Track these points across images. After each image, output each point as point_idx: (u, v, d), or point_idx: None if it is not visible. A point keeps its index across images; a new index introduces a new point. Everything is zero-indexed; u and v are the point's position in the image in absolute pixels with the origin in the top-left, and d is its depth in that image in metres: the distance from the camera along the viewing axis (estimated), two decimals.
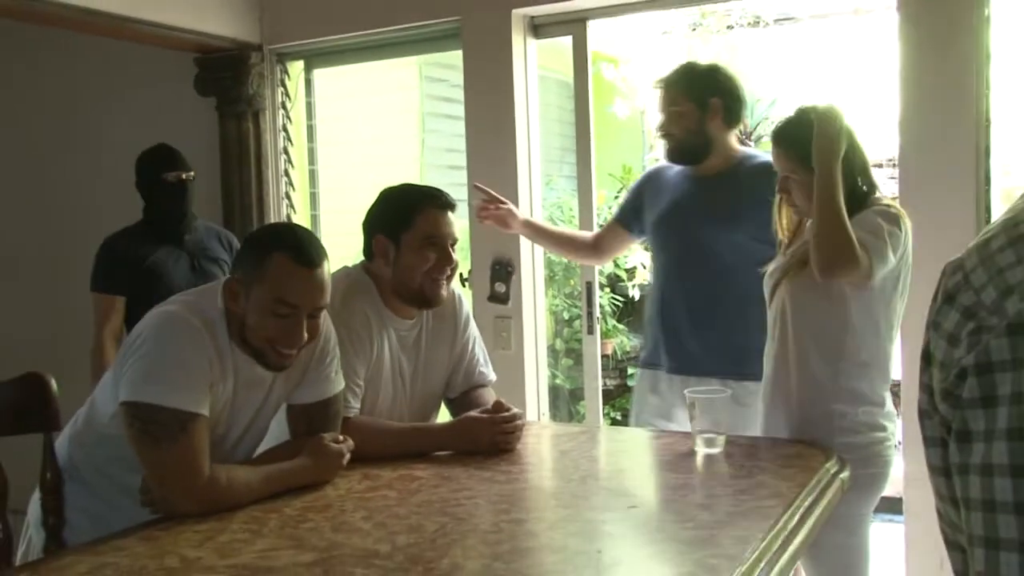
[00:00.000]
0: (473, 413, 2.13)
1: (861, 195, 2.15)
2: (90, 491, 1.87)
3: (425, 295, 2.12)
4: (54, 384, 1.94)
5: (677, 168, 2.76)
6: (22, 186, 4.60)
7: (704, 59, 3.20)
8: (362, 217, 2.21)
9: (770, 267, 2.30)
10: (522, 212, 3.16)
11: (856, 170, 2.16)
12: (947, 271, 1.11)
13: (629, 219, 2.87)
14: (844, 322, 2.13)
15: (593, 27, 3.49)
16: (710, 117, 2.62)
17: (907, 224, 2.13)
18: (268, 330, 1.76)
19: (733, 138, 2.72)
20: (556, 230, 3.43)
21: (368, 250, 2.16)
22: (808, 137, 2.11)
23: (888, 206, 2.14)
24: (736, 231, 2.57)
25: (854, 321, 2.12)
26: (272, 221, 4.01)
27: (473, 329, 2.33)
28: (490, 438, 2.07)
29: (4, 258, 4.64)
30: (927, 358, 1.10)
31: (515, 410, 2.13)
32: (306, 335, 1.78)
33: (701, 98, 2.62)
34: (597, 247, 3.03)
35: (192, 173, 3.17)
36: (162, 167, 3.10)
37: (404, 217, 2.09)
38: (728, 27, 5.54)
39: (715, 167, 2.66)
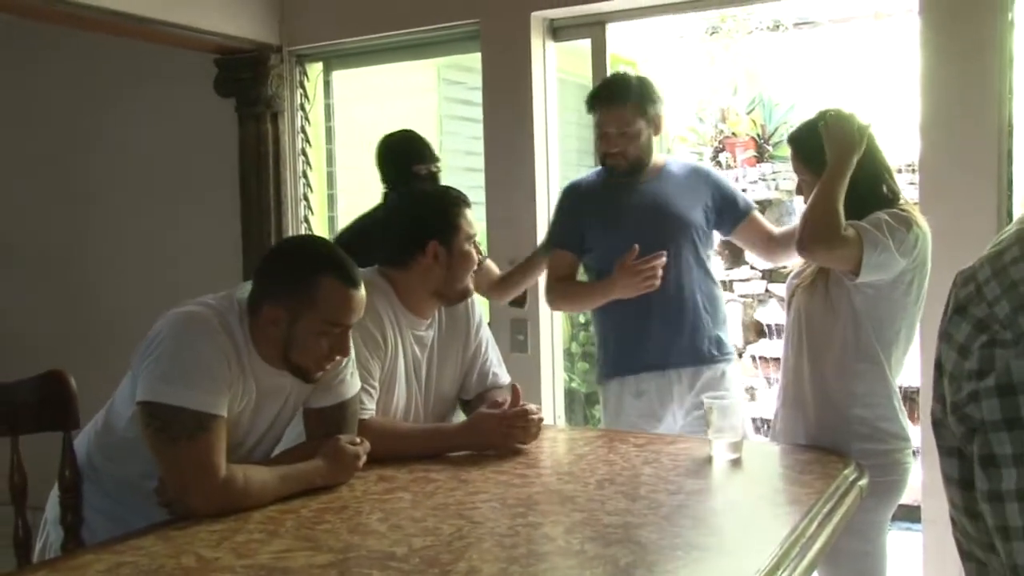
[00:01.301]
0: (484, 410, 2.13)
1: (884, 201, 2.12)
2: (106, 492, 1.88)
3: (468, 290, 2.20)
4: (74, 382, 1.96)
5: (597, 179, 2.79)
6: (44, 185, 4.64)
7: (712, 65, 3.07)
8: None
9: (791, 273, 2.30)
10: None
11: (878, 175, 2.14)
12: (958, 282, 1.09)
13: (574, 243, 2.78)
14: (857, 329, 2.11)
15: (612, 30, 3.49)
16: (654, 131, 2.70)
17: (921, 229, 2.09)
18: (320, 350, 1.79)
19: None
20: (581, 286, 2.89)
21: (403, 256, 2.14)
22: (817, 141, 2.11)
23: (901, 208, 2.12)
24: (686, 224, 2.67)
25: (867, 327, 2.11)
26: (287, 222, 4.03)
27: (486, 331, 2.34)
28: (503, 434, 2.08)
29: (26, 256, 4.68)
30: (940, 368, 1.09)
31: (529, 405, 2.13)
32: None
33: (649, 115, 2.67)
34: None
35: (439, 164, 3.01)
36: (412, 159, 2.93)
37: (451, 221, 2.14)
38: (748, 32, 5.53)
39: (648, 172, 2.71)
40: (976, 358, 0.99)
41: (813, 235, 2.06)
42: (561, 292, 2.81)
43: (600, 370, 2.82)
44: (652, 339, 2.65)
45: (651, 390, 2.67)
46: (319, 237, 3.49)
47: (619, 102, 2.66)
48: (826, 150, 2.09)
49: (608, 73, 3.47)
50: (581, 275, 2.87)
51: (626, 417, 2.70)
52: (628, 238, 2.59)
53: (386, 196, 3.04)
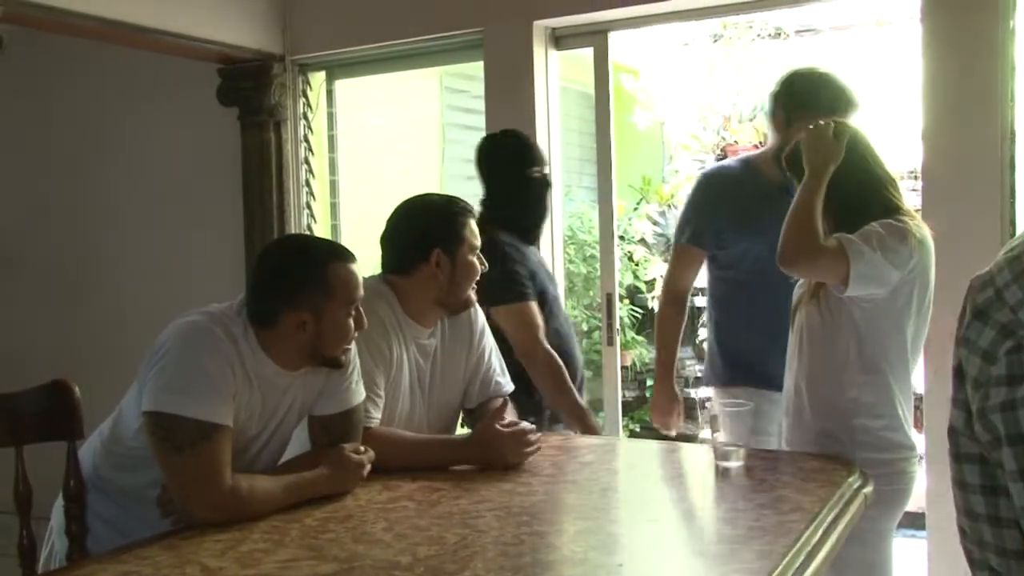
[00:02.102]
0: (491, 424, 2.12)
1: (881, 212, 2.10)
2: (112, 501, 1.88)
3: (470, 300, 2.21)
4: (78, 392, 1.96)
5: (741, 171, 2.63)
6: (48, 194, 4.65)
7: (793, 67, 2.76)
8: (382, 227, 2.22)
9: (796, 284, 2.29)
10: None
11: (872, 185, 2.12)
12: (975, 286, 1.09)
13: (708, 240, 2.63)
14: (860, 341, 2.10)
15: (614, 38, 3.50)
16: None
17: (918, 240, 2.05)
18: (348, 332, 1.86)
19: None
20: (672, 341, 2.78)
21: (406, 263, 2.15)
22: (796, 155, 2.11)
23: (898, 219, 2.08)
24: None
25: (870, 340, 2.09)
26: (290, 230, 4.04)
27: (489, 339, 2.34)
28: (507, 453, 2.06)
29: (28, 264, 4.69)
30: (960, 375, 1.08)
31: (526, 424, 2.12)
32: None
33: None
34: (686, 292, 2.75)
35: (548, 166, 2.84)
36: (528, 163, 2.78)
37: (457, 231, 2.15)
38: (750, 39, 5.54)
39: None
40: (1004, 364, 0.98)
41: (791, 247, 2.03)
42: (664, 317, 2.74)
43: (704, 378, 2.76)
44: (757, 354, 2.52)
45: (766, 407, 2.47)
46: (296, 235, 3.65)
47: (805, 107, 2.45)
48: (803, 162, 2.09)
49: (610, 81, 3.48)
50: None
51: None
52: (762, 242, 2.38)
53: (509, 210, 2.78)
